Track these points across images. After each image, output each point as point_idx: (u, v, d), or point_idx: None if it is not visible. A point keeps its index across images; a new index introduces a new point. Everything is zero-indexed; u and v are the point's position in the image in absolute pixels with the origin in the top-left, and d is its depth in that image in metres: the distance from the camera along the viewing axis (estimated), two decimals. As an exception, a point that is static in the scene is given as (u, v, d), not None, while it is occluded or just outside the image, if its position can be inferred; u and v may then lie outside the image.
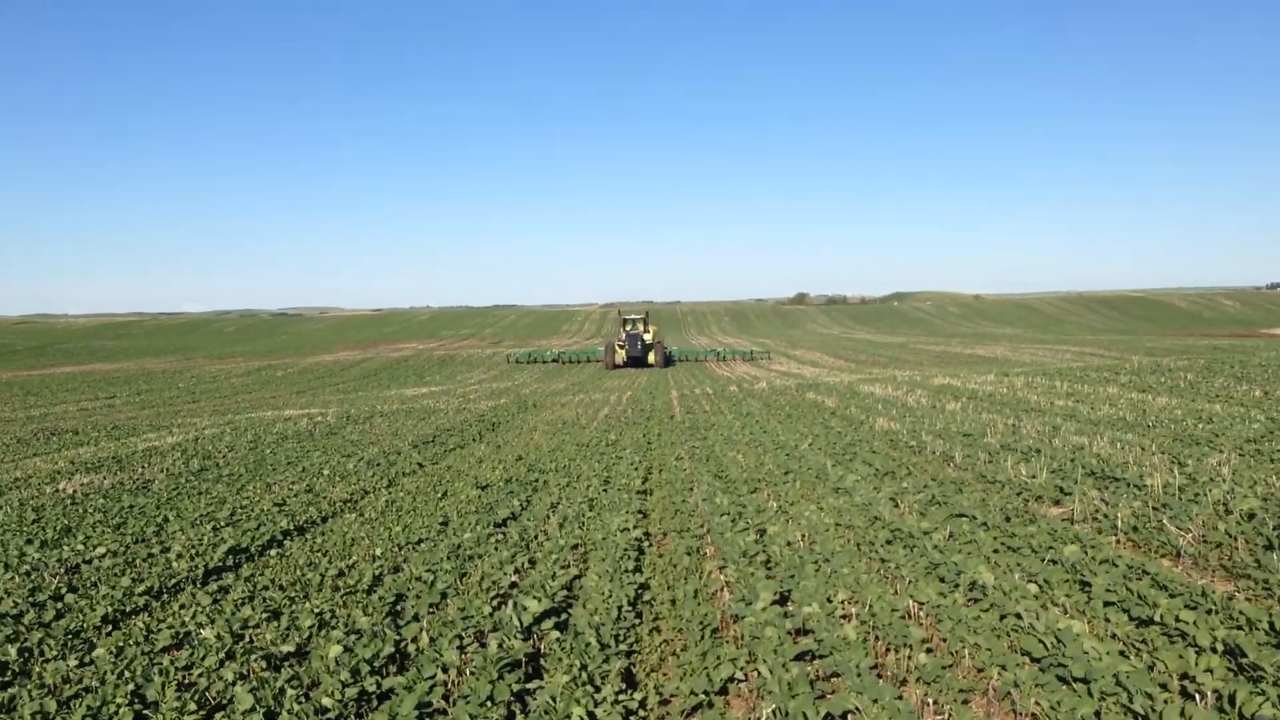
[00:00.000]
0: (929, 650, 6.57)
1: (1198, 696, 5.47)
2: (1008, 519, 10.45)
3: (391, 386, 58.06)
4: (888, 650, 6.57)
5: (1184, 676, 5.81)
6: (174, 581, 9.44)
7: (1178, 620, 6.50)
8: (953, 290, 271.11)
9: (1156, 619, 6.62)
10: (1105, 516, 10.30)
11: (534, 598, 7.51)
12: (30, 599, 8.86)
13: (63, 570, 10.09)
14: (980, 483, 13.05)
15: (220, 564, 10.11)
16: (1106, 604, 7.13)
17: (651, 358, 62.70)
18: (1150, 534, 9.45)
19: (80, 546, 11.20)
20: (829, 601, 7.48)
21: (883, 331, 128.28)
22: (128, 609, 8.52)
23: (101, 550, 10.83)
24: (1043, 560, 8.50)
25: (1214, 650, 6.03)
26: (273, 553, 10.84)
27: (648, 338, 63.51)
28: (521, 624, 6.79)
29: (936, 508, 11.11)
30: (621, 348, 62.68)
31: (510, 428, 25.38)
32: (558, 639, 6.73)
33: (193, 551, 10.75)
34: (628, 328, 65.28)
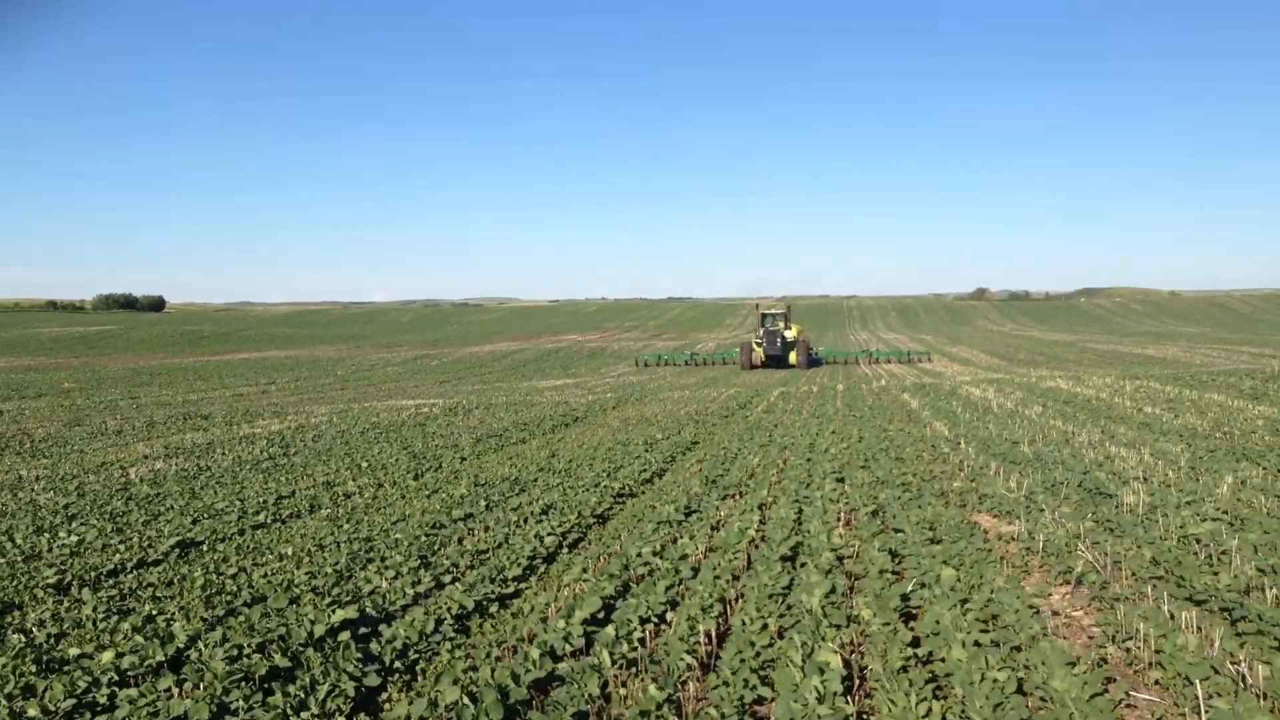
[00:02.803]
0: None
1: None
2: (931, 527, 9.95)
3: (531, 378, 59.31)
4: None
5: None
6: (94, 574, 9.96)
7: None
8: (1145, 286, 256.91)
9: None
10: (1013, 539, 9.69)
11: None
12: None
13: (19, 555, 10.76)
14: (931, 496, 12.47)
15: (137, 560, 10.31)
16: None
17: (793, 357, 56.71)
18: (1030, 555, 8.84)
19: (62, 534, 11.90)
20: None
21: (1057, 329, 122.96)
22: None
23: (74, 539, 11.46)
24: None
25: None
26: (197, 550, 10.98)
27: (789, 335, 57.22)
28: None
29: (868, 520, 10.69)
30: (759, 345, 57.39)
31: (588, 423, 25.61)
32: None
33: (140, 544, 11.16)
34: (766, 324, 59.05)
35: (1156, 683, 5.82)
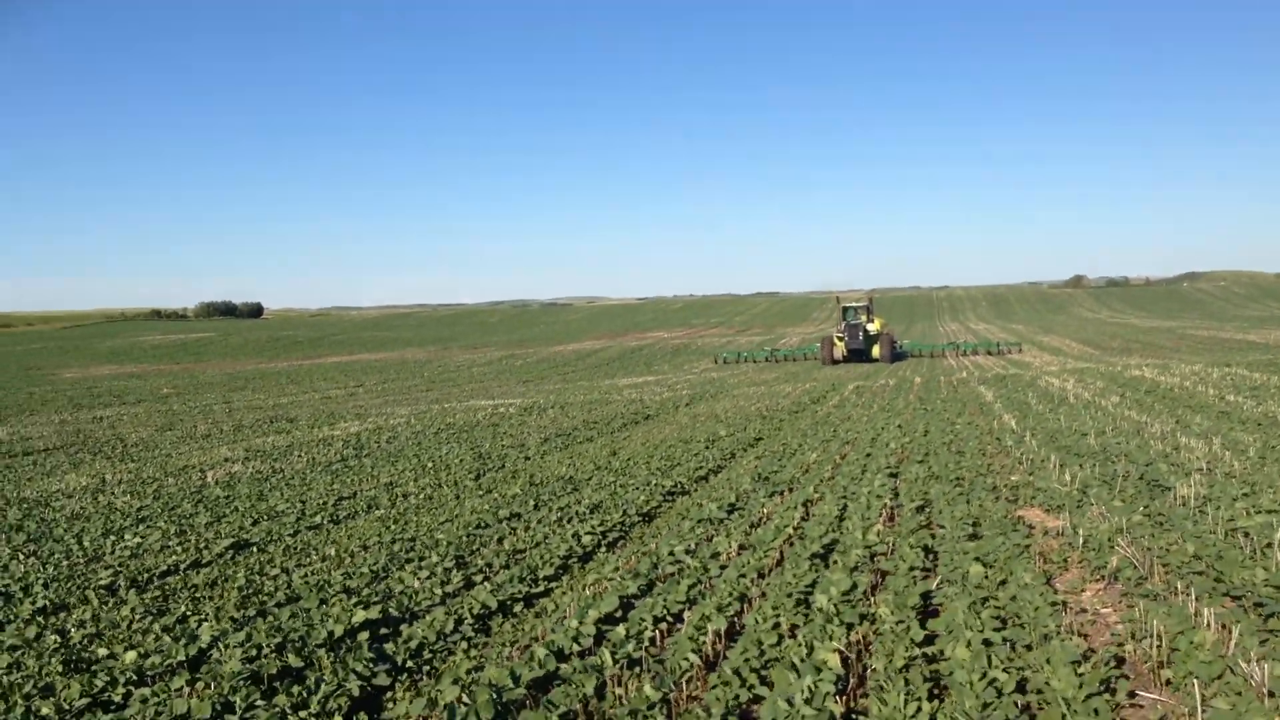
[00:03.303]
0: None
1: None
2: (975, 523, 9.78)
3: (613, 376, 59.60)
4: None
5: None
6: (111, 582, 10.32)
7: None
8: (1253, 270, 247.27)
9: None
10: (1058, 534, 9.45)
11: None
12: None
13: (82, 557, 11.19)
14: (983, 491, 12.24)
15: (191, 562, 10.64)
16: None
17: (875, 351, 54.73)
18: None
19: (128, 537, 12.33)
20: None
21: (1155, 316, 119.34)
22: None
23: (137, 541, 11.87)
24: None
25: None
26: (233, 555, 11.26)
27: (872, 328, 55.29)
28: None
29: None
30: (840, 340, 55.46)
31: (658, 420, 25.67)
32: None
33: (196, 546, 11.53)
34: (848, 317, 56.98)
35: (1168, 682, 5.66)
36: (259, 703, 5.65)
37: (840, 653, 6.07)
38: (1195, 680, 5.56)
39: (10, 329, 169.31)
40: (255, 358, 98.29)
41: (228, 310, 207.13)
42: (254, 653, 6.57)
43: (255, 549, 11.08)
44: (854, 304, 57.94)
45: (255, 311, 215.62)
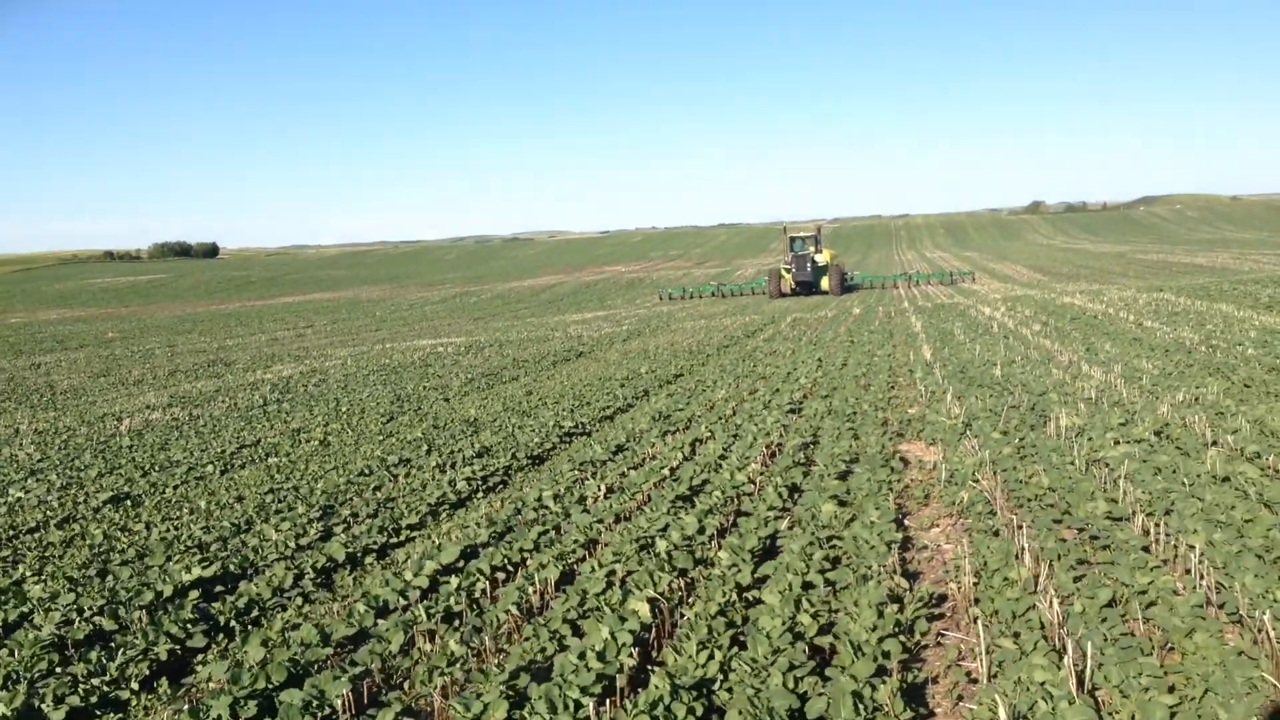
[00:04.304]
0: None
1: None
2: (852, 459, 9.78)
3: (565, 312, 59.27)
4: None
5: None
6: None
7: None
8: (1209, 193, 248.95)
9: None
10: (932, 468, 9.47)
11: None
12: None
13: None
14: (874, 425, 12.27)
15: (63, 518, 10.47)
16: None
17: (825, 283, 52.25)
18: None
19: (14, 492, 12.06)
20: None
21: (1108, 241, 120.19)
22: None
23: (16, 497, 11.62)
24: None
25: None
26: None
27: (821, 259, 52.76)
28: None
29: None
30: (788, 271, 52.81)
31: (590, 358, 25.56)
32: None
33: (74, 501, 11.37)
34: (795, 248, 53.93)
35: (975, 620, 5.67)
36: (57, 670, 5.55)
37: (655, 600, 6.03)
38: (994, 618, 5.59)
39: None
40: (206, 299, 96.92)
41: (182, 251, 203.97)
42: (74, 616, 6.45)
43: (132, 502, 10.90)
44: (801, 234, 55.31)
45: (211, 252, 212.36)
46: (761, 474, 9.66)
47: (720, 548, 7.18)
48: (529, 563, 7.28)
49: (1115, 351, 16.76)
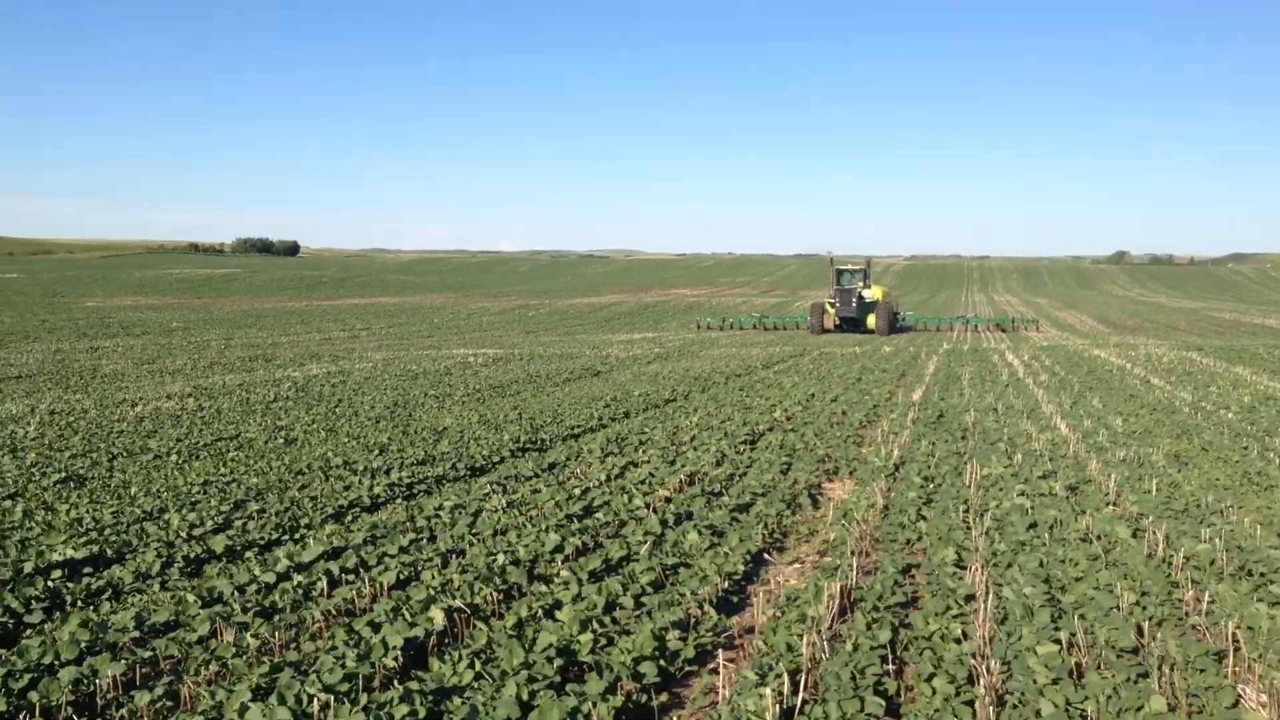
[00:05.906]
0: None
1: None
2: (761, 493, 9.90)
3: (614, 331, 59.61)
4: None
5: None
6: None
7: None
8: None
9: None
10: (839, 505, 9.55)
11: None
12: None
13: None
14: (812, 461, 12.33)
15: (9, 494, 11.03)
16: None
17: (871, 320, 48.87)
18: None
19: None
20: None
21: (1185, 296, 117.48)
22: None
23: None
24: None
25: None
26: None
27: (868, 295, 49.73)
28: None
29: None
30: (832, 306, 49.76)
31: (602, 379, 25.83)
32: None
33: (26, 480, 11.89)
34: (842, 282, 50.67)
35: (756, 654, 5.80)
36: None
37: (457, 610, 6.25)
38: (770, 652, 5.70)
39: (49, 255, 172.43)
40: (277, 296, 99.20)
41: (264, 247, 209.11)
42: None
43: (75, 483, 11.36)
44: (849, 268, 52.02)
45: (292, 249, 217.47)
46: (666, 501, 9.81)
47: (562, 567, 7.37)
48: (374, 568, 7.52)
49: (1099, 407, 16.59)
